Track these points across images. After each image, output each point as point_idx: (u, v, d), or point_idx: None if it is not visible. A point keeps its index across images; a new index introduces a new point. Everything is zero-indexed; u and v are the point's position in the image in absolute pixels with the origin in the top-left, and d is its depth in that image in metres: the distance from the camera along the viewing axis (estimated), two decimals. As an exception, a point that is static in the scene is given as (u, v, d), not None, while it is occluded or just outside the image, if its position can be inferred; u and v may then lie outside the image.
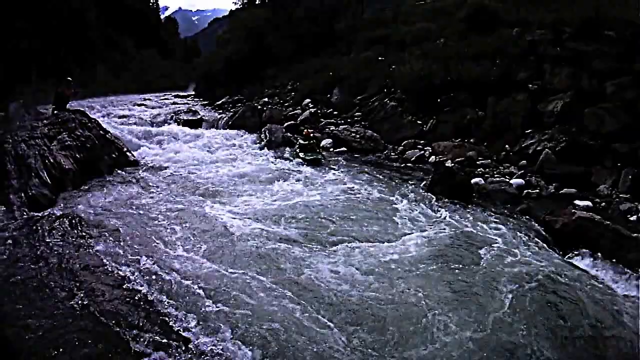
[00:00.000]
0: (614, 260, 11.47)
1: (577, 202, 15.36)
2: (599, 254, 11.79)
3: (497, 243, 12.24)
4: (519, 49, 23.68)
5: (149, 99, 44.59)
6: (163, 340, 7.95)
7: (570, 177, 16.93)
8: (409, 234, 12.96)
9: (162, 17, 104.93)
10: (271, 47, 40.40)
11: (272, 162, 20.84)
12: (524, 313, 9.03)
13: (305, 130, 23.44)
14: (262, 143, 24.70)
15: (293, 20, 41.95)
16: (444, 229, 13.22)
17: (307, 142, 21.86)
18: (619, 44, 19.64)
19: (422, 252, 11.70)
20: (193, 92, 54.05)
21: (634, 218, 14.25)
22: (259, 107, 33.39)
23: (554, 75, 21.43)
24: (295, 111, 31.29)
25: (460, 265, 10.98)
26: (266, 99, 36.31)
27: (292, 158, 21.20)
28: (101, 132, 20.18)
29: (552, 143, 18.57)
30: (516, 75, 22.70)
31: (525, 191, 16.55)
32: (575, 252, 12.17)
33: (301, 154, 21.22)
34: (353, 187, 16.96)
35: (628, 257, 11.42)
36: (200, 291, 9.47)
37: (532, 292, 9.71)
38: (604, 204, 15.30)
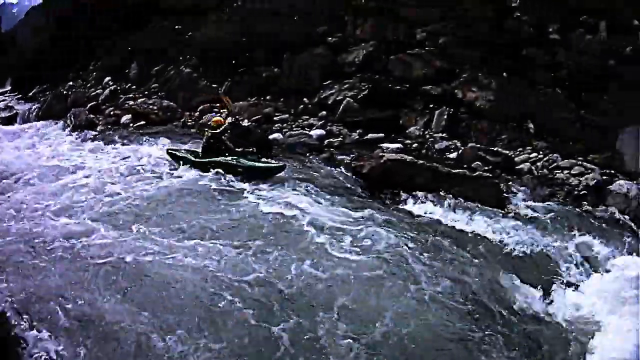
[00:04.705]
0: (430, 195, 10.71)
1: (385, 145, 14.07)
2: (415, 192, 10.88)
3: (299, 194, 10.78)
4: (320, 4, 21.39)
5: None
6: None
7: (376, 123, 15.40)
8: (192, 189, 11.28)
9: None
10: (78, 31, 34.64)
11: (77, 149, 17.13)
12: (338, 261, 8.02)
13: (216, 118, 13.70)
14: (68, 129, 21.44)
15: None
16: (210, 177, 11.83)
17: (215, 139, 12.64)
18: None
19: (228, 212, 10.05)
20: (9, 87, 45.50)
21: (453, 155, 13.32)
22: (64, 92, 29.15)
23: (357, 27, 19.25)
24: (97, 91, 27.49)
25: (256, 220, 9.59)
26: (70, 83, 31.72)
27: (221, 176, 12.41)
28: None
29: (353, 92, 16.84)
30: (315, 30, 20.28)
31: (327, 140, 15.02)
32: (385, 193, 11.23)
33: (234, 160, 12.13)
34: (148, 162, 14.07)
35: (440, 189, 10.86)
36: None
37: (341, 236, 8.82)
38: (416, 144, 14.26)
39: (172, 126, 19.64)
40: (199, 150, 12.84)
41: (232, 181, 11.50)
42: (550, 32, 16.24)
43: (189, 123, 19.79)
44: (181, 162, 12.79)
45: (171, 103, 21.74)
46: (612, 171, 11.95)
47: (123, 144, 16.59)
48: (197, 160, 12.44)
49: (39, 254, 8.65)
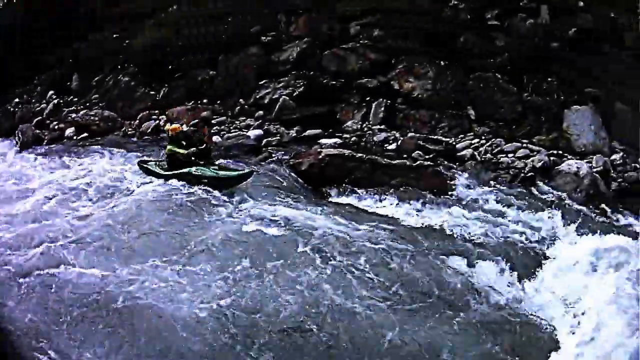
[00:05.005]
0: (369, 188, 10.55)
1: (323, 141, 13.76)
2: (354, 186, 10.68)
3: (278, 204, 9.94)
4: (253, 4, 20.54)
5: None
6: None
7: (313, 119, 15.02)
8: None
9: None
10: (22, 45, 33.68)
11: (33, 168, 15.73)
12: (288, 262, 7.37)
13: (174, 126, 12.43)
14: (17, 147, 21.09)
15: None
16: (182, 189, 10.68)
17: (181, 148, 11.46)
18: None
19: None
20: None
21: (392, 146, 13.10)
22: (11, 109, 28.65)
23: (291, 24, 18.64)
24: (42, 105, 26.66)
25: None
26: (17, 100, 30.64)
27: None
28: None
29: (288, 90, 16.45)
30: (249, 30, 19.62)
31: (265, 140, 14.70)
32: (326, 189, 10.83)
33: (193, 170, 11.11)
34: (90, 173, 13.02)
35: (381, 181, 10.74)
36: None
37: (284, 237, 8.13)
38: (354, 138, 13.91)
39: (113, 136, 19.10)
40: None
41: (204, 193, 10.21)
42: (489, 18, 15.82)
43: (129, 132, 19.43)
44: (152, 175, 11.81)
45: (111, 113, 21.41)
46: (560, 152, 11.94)
47: (78, 158, 15.47)
48: (166, 174, 11.36)
49: (4, 295, 7.04)
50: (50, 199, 10.75)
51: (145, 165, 12.06)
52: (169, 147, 11.43)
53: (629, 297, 6.27)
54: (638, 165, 11.95)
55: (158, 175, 11.39)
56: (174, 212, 9.31)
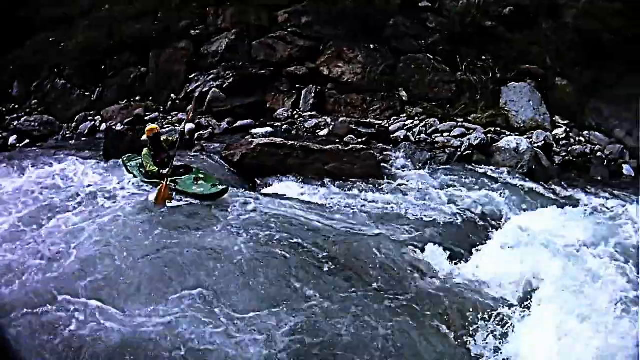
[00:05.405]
0: (301, 174, 10.26)
1: (254, 130, 13.59)
2: (289, 174, 10.40)
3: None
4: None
5: None
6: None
7: (244, 109, 14.87)
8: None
9: None
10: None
11: None
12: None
13: (151, 127, 10.70)
14: None
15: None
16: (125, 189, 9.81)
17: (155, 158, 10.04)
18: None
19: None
20: None
21: (325, 132, 12.87)
22: None
23: (219, 17, 18.38)
24: None
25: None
26: None
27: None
28: None
29: (218, 81, 16.28)
30: (178, 25, 19.37)
31: (197, 133, 14.49)
32: (260, 180, 10.50)
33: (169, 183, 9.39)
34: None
35: (315, 167, 10.52)
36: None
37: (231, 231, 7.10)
38: (286, 126, 13.75)
39: (52, 141, 18.54)
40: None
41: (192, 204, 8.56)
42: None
43: (67, 135, 19.08)
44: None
45: (50, 117, 21.01)
46: (498, 129, 11.67)
47: (32, 167, 13.23)
48: (145, 180, 10.00)
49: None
50: (24, 215, 8.53)
51: (128, 167, 10.71)
52: (144, 152, 9.96)
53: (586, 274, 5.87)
54: (583, 139, 11.79)
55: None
56: (169, 221, 7.47)
